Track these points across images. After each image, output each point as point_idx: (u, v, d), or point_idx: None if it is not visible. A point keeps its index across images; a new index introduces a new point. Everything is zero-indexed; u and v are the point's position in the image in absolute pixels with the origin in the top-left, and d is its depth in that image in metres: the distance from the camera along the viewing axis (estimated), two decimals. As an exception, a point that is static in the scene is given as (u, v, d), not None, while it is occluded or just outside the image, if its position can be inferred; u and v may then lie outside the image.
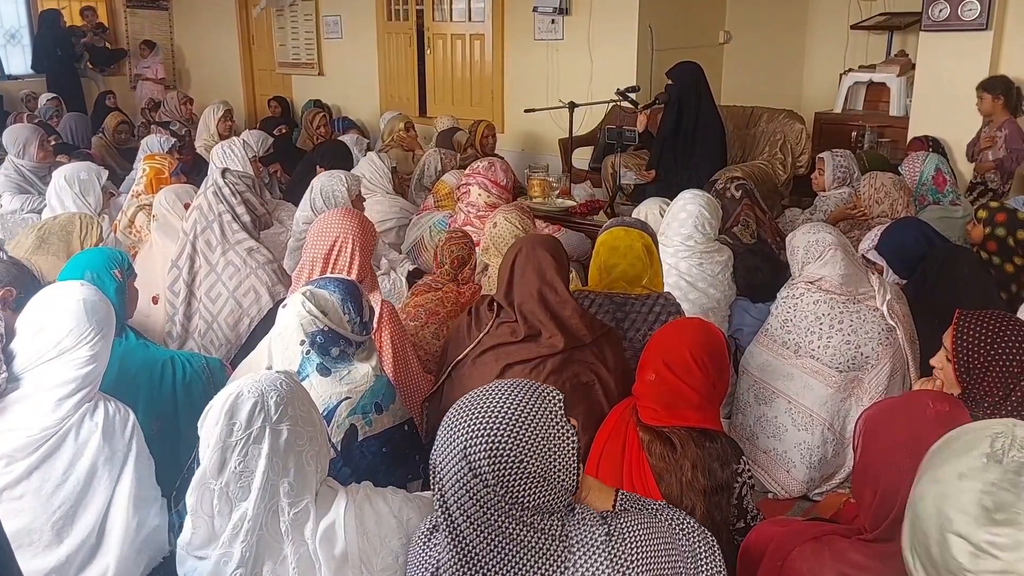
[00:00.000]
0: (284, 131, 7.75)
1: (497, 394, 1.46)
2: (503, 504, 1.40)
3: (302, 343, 2.14)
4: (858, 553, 1.61)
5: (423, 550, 1.58)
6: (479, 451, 1.39)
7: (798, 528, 1.86)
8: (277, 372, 1.77)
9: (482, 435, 1.40)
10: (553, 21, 7.38)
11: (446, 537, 1.46)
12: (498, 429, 1.40)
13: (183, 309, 3.36)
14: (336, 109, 9.09)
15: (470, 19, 8.12)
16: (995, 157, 5.20)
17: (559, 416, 1.47)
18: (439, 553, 1.50)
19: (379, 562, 1.72)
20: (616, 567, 1.43)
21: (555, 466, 1.43)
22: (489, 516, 1.41)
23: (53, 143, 6.00)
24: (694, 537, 1.58)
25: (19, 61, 10.18)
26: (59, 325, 2.02)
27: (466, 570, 1.44)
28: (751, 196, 4.22)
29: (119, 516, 2.02)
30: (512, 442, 1.40)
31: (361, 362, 2.21)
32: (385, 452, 2.17)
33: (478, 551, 1.43)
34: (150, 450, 2.16)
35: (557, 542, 1.44)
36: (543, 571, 1.42)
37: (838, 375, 3.00)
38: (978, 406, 2.13)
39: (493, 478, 1.39)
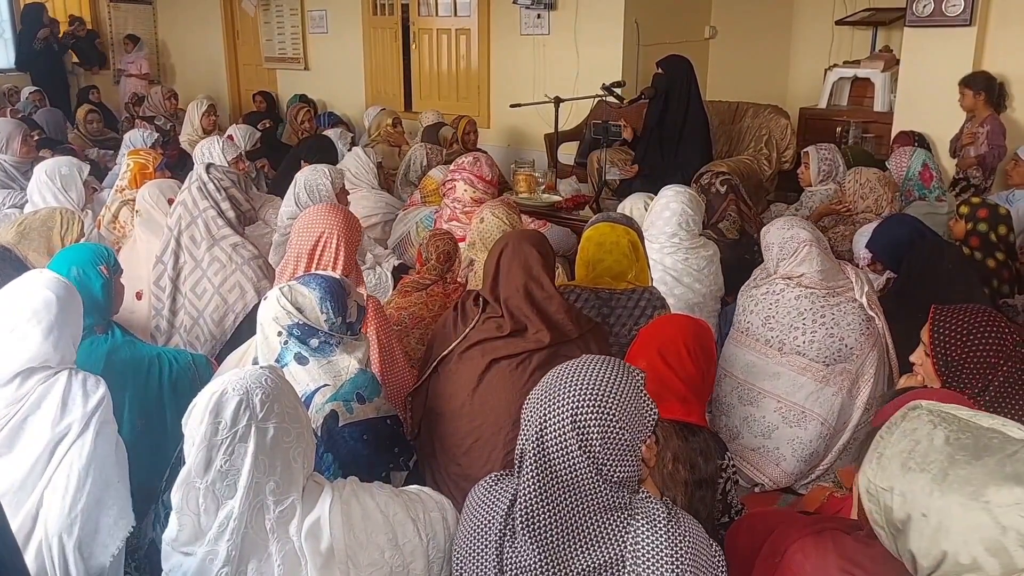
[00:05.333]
0: (268, 126, 7.72)
1: (597, 367, 1.58)
2: (593, 473, 1.50)
3: (279, 334, 2.15)
4: (862, 553, 1.61)
5: (490, 488, 1.69)
6: (590, 421, 1.50)
7: (793, 520, 1.86)
8: (262, 368, 1.75)
9: (593, 405, 1.51)
10: (539, 16, 7.37)
11: (531, 492, 1.54)
12: (608, 401, 1.52)
13: (168, 305, 3.35)
14: (321, 104, 9.05)
15: (456, 14, 8.11)
16: (977, 153, 5.23)
17: (646, 393, 1.59)
18: (511, 492, 1.61)
19: (365, 557, 1.71)
20: (673, 545, 1.51)
21: (640, 441, 1.55)
22: (577, 483, 1.51)
23: (36, 138, 5.95)
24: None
25: (0, 55, 10.09)
26: (14, 309, 2.00)
27: (540, 517, 1.53)
28: (736, 191, 4.24)
29: (57, 492, 1.92)
30: (619, 415, 1.52)
31: (344, 354, 2.20)
32: (367, 440, 2.16)
33: (555, 511, 1.52)
34: (137, 447, 2.15)
35: (624, 512, 1.54)
36: (605, 536, 1.52)
37: (824, 368, 3.01)
38: (959, 399, 2.15)
39: (600, 447, 1.50)
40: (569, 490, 1.52)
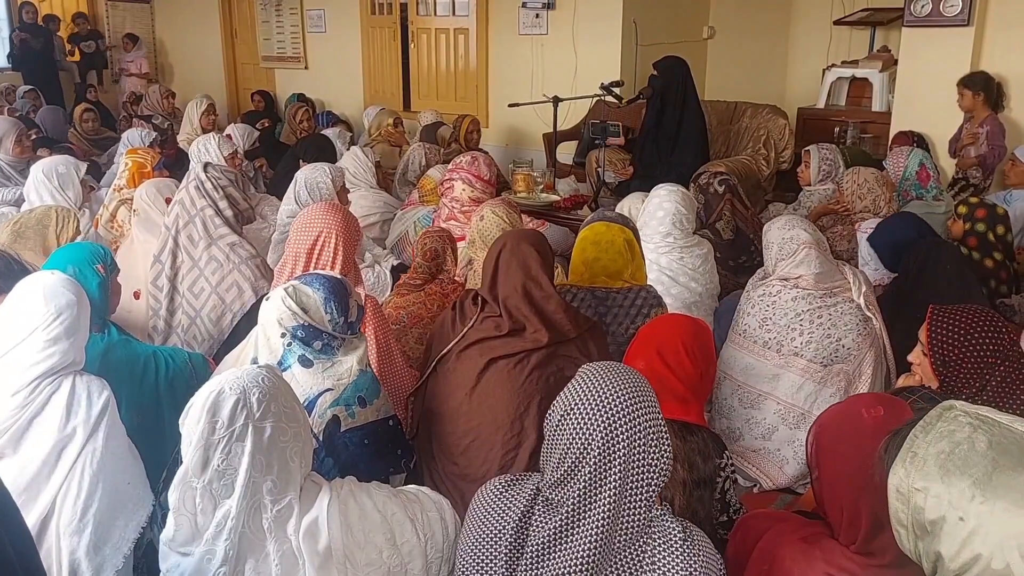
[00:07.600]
0: (267, 125, 7.72)
1: (637, 380, 1.59)
2: (626, 488, 1.51)
3: (283, 335, 2.14)
4: (850, 562, 1.61)
5: (500, 493, 1.66)
6: (631, 438, 1.51)
7: (783, 526, 1.86)
8: (259, 367, 1.75)
9: (631, 425, 1.52)
10: (538, 16, 7.38)
11: (561, 502, 1.55)
12: (645, 420, 1.54)
13: (166, 304, 3.34)
14: (320, 103, 9.05)
15: (454, 13, 8.12)
16: (977, 153, 5.24)
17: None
18: (524, 500, 1.61)
19: (363, 557, 1.71)
20: (688, 567, 1.52)
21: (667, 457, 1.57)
22: (608, 498, 1.51)
23: (33, 137, 5.94)
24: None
25: (-1, 54, 10.09)
26: (19, 312, 1.99)
27: (558, 535, 1.54)
28: (734, 191, 4.24)
29: (69, 497, 1.93)
30: (658, 433, 1.55)
31: (346, 355, 2.20)
32: (367, 444, 2.16)
33: (585, 525, 1.52)
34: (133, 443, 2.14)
35: (642, 534, 1.54)
36: (624, 555, 1.53)
37: (822, 369, 3.01)
38: (956, 398, 2.15)
39: (634, 461, 1.51)
40: (616, 511, 1.51)
